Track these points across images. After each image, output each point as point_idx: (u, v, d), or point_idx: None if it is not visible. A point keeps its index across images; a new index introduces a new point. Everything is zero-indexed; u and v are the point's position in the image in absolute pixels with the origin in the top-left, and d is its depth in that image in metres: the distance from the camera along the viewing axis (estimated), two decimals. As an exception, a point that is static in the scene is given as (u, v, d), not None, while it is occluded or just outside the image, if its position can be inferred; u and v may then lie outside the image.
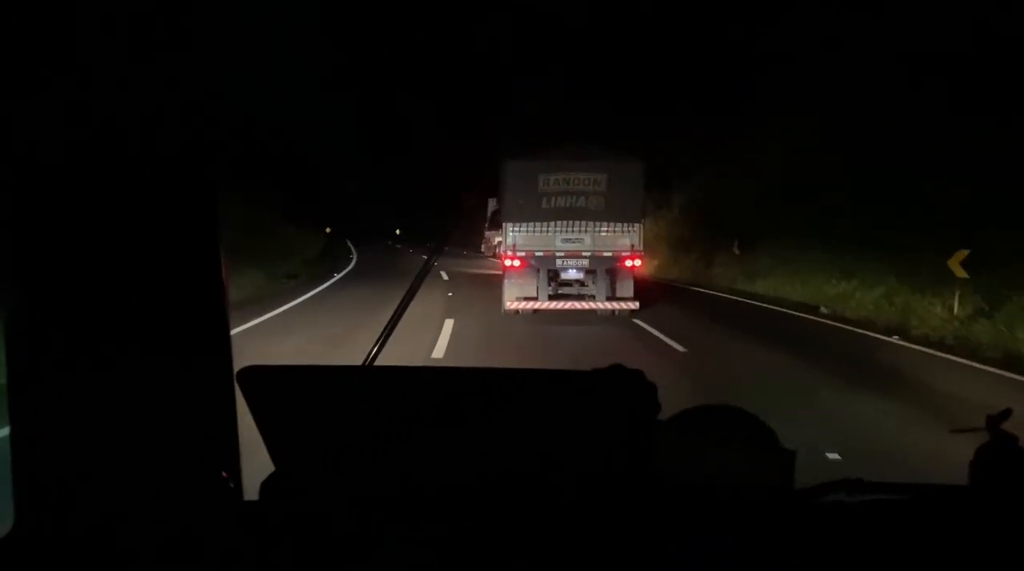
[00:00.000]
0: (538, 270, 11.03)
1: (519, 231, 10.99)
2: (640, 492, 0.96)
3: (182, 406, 0.97)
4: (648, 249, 13.31)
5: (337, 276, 20.49)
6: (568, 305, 11.07)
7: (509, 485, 0.96)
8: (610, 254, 11.02)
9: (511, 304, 11.03)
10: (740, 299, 15.37)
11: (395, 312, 1.41)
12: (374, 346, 1.36)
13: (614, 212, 10.90)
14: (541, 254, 10.96)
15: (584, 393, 1.00)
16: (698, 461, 0.99)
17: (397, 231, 63.29)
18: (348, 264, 26.46)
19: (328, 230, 40.32)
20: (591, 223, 10.93)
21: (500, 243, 14.42)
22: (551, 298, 11.13)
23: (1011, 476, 1.00)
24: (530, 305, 11.00)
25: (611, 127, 21.95)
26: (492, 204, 30.89)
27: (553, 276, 11.25)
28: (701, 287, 17.96)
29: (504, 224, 11.24)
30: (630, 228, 11.00)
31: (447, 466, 0.99)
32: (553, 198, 10.84)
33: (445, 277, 18.55)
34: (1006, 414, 1.08)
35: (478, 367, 1.03)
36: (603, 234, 10.97)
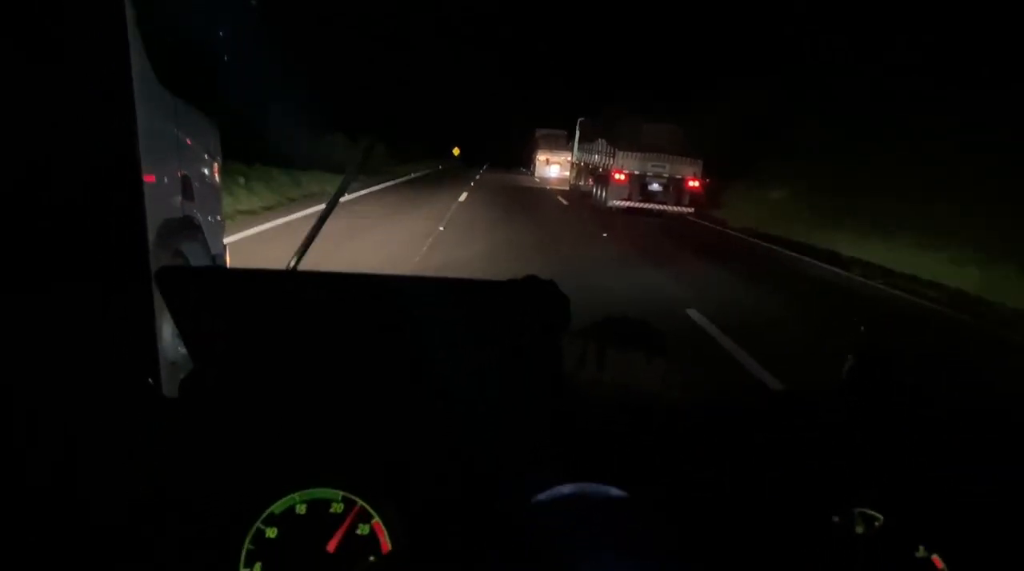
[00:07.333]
0: (632, 183, 18.05)
1: (625, 157, 17.96)
2: (552, 401, 1.02)
3: (98, 309, 0.93)
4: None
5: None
6: (649, 205, 18.08)
7: (426, 390, 0.98)
8: (680, 177, 17.99)
9: (613, 202, 18.10)
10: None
11: (322, 214, 1.44)
12: (298, 252, 1.40)
13: (685, 150, 17.84)
14: (638, 173, 17.98)
15: (502, 302, 1.02)
16: (605, 369, 1.08)
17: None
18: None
19: (456, 151, 40.48)
20: (669, 155, 17.87)
21: (535, 165, 28.60)
22: (639, 201, 18.14)
23: (878, 382, 1.10)
24: (625, 203, 18.05)
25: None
26: (539, 132, 39.25)
27: (642, 188, 18.22)
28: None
29: (617, 152, 18.24)
30: (694, 162, 17.94)
31: (366, 371, 1.01)
32: (648, 138, 17.84)
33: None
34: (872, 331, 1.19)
35: (398, 275, 1.04)
36: (676, 164, 17.89)
